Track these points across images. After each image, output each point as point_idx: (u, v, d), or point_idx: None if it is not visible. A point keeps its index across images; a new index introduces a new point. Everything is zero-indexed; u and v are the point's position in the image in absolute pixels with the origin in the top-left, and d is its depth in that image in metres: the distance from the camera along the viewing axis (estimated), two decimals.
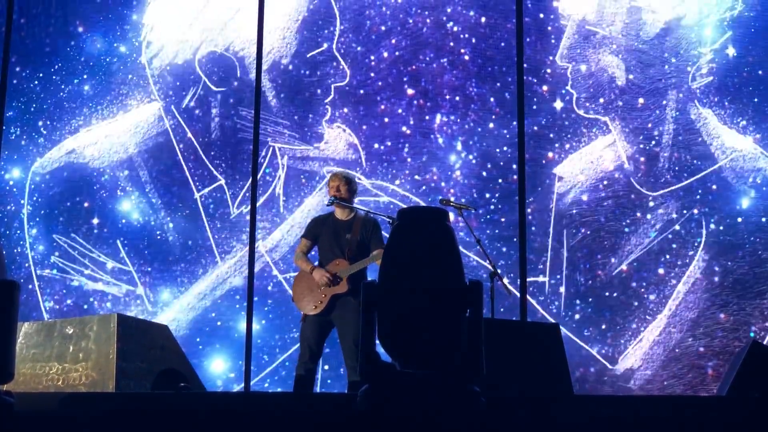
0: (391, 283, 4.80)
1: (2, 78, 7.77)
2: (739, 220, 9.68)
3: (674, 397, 8.21)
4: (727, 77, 9.93)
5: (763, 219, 9.68)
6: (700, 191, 9.79)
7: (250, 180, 7.02)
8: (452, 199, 9.19)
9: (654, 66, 10.04)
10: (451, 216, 7.61)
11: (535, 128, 9.92)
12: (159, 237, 10.28)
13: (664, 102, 9.92)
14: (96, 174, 10.47)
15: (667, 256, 9.68)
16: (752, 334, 9.26)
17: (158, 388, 6.84)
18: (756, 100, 9.85)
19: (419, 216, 5.04)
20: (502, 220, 9.82)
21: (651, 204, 9.77)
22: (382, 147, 10.21)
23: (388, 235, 6.41)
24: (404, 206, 8.87)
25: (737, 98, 9.89)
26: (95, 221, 10.34)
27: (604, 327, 9.56)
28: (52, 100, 10.57)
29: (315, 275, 7.69)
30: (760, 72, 9.85)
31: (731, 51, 9.91)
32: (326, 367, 9.62)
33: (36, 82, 10.60)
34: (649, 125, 9.92)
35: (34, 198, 10.47)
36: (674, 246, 9.68)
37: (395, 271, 4.83)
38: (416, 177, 10.08)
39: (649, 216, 9.71)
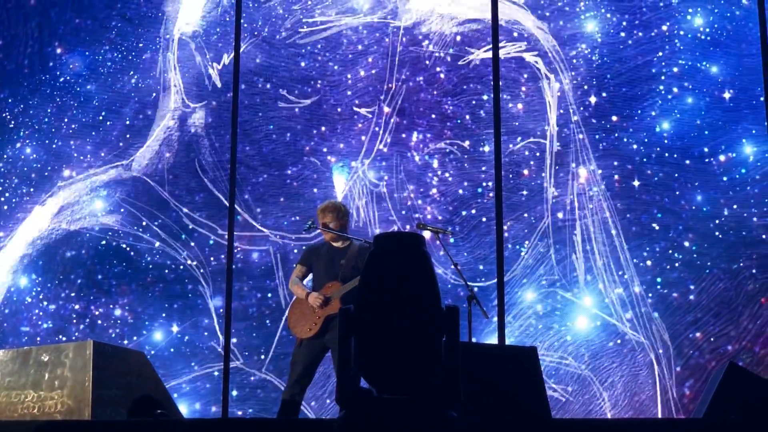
0: (368, 309, 4.79)
1: None
2: None
3: (652, 420, 8.22)
4: None
5: None
6: None
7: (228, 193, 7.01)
8: (429, 224, 9.21)
9: None
10: (427, 234, 7.72)
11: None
12: None
13: None
14: None
15: None
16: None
17: (135, 415, 6.80)
18: None
19: (395, 242, 5.02)
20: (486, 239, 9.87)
21: None
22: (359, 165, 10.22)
23: None
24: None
25: None
26: None
27: None
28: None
29: (309, 299, 7.74)
30: None
31: None
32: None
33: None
34: None
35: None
36: None
37: (372, 297, 4.81)
38: (394, 195, 10.10)
39: None
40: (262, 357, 9.99)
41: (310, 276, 8.03)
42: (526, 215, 9.98)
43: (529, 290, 9.86)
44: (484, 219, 9.96)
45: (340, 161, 10.19)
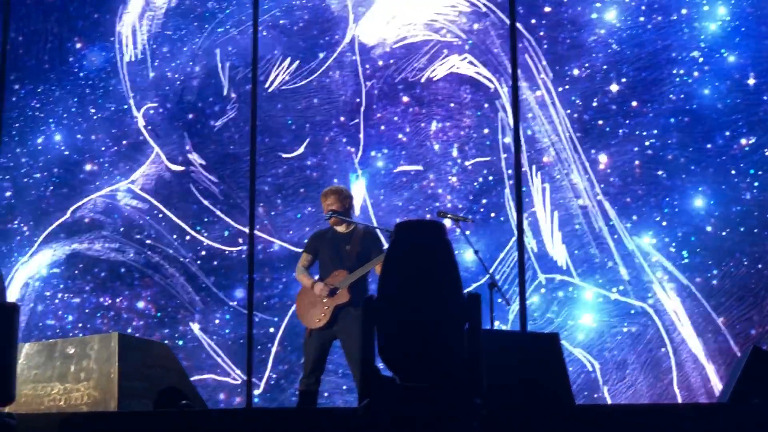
0: (390, 297, 4.80)
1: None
2: None
3: (676, 405, 8.21)
4: None
5: None
6: None
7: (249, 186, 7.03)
8: (449, 208, 9.22)
9: None
10: (448, 222, 7.71)
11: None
12: None
13: None
14: None
15: None
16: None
17: (160, 407, 6.83)
18: None
19: (416, 230, 5.03)
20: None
21: None
22: (378, 155, 10.23)
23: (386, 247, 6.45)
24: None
25: None
26: None
27: None
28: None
29: (315, 289, 7.72)
30: None
31: None
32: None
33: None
34: None
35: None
36: None
37: (393, 285, 4.82)
38: (414, 186, 10.09)
39: None
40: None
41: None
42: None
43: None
44: (499, 210, 9.94)
45: (355, 172, 10.17)
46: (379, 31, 10.37)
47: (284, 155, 10.34)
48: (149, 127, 10.63)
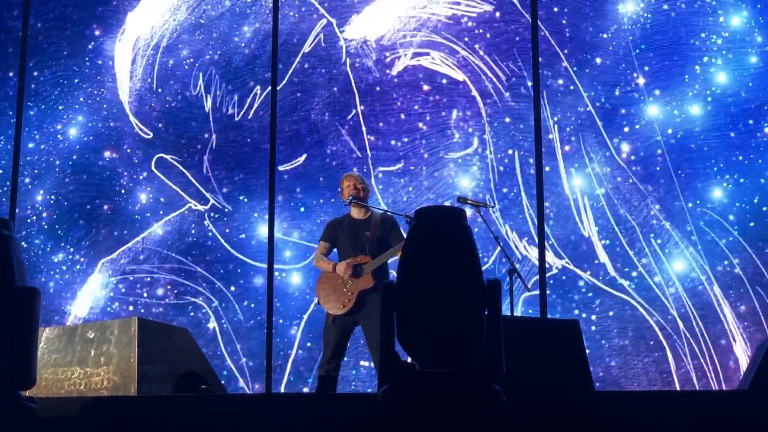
0: (410, 283, 4.81)
1: (20, 81, 7.82)
2: None
3: (695, 392, 8.19)
4: None
5: None
6: None
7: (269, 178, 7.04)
8: (470, 195, 9.20)
9: None
10: (469, 212, 7.69)
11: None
12: None
13: None
14: None
15: None
16: None
17: (180, 391, 6.87)
18: None
19: (436, 216, 5.03)
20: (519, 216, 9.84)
21: None
22: (399, 143, 10.22)
23: (405, 234, 6.45)
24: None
25: None
26: None
27: None
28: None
29: (338, 270, 7.70)
30: None
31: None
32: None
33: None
34: None
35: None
36: None
37: (413, 271, 4.83)
38: (434, 174, 10.08)
39: None
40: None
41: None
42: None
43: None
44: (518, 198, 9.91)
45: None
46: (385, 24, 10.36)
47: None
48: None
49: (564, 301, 9.68)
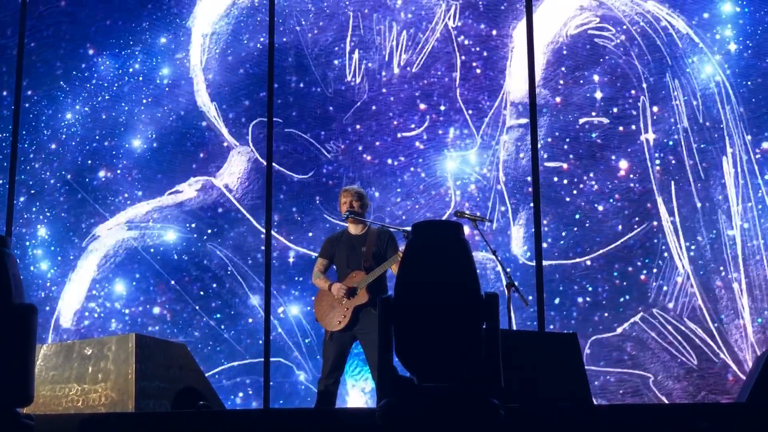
0: (408, 297, 4.81)
1: (16, 102, 7.85)
2: None
3: (694, 405, 8.17)
4: None
5: None
6: None
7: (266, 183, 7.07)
8: (467, 211, 9.21)
9: None
10: (467, 229, 7.70)
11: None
12: None
13: None
14: None
15: None
16: None
17: (178, 407, 6.86)
18: None
19: (434, 230, 5.04)
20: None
21: None
22: (395, 162, 10.23)
23: (402, 248, 6.45)
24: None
25: None
26: None
27: None
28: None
29: (333, 290, 7.76)
30: None
31: None
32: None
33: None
34: None
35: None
36: None
37: (411, 285, 4.84)
38: (432, 192, 10.08)
39: None
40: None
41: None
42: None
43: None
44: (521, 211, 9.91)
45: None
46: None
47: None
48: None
49: None
